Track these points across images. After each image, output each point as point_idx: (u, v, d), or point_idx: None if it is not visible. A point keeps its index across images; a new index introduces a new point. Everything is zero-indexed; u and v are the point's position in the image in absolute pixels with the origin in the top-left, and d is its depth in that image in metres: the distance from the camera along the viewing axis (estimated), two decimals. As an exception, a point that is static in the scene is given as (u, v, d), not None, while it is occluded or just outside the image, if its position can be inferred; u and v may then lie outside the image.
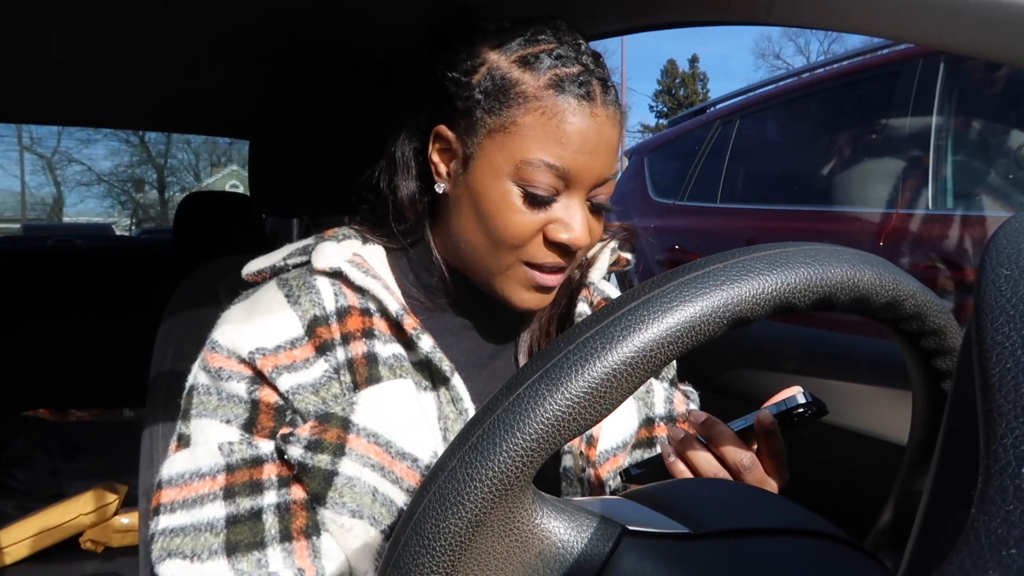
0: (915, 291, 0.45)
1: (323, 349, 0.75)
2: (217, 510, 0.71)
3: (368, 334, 0.77)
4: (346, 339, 0.76)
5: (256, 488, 0.72)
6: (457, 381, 0.77)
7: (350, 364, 0.75)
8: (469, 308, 0.84)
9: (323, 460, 0.72)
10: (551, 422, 0.37)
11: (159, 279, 1.70)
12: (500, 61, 0.73)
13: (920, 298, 0.45)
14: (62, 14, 1.17)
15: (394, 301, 0.78)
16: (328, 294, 0.78)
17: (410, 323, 0.77)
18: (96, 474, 2.24)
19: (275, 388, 0.74)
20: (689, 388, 0.99)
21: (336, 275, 0.79)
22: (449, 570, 0.37)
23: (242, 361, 0.74)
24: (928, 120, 2.24)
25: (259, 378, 0.74)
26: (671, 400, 0.93)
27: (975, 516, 0.18)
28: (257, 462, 0.73)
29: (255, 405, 0.74)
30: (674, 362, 0.87)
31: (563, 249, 0.74)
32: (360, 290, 0.79)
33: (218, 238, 2.22)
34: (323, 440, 0.72)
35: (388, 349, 0.77)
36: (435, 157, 0.79)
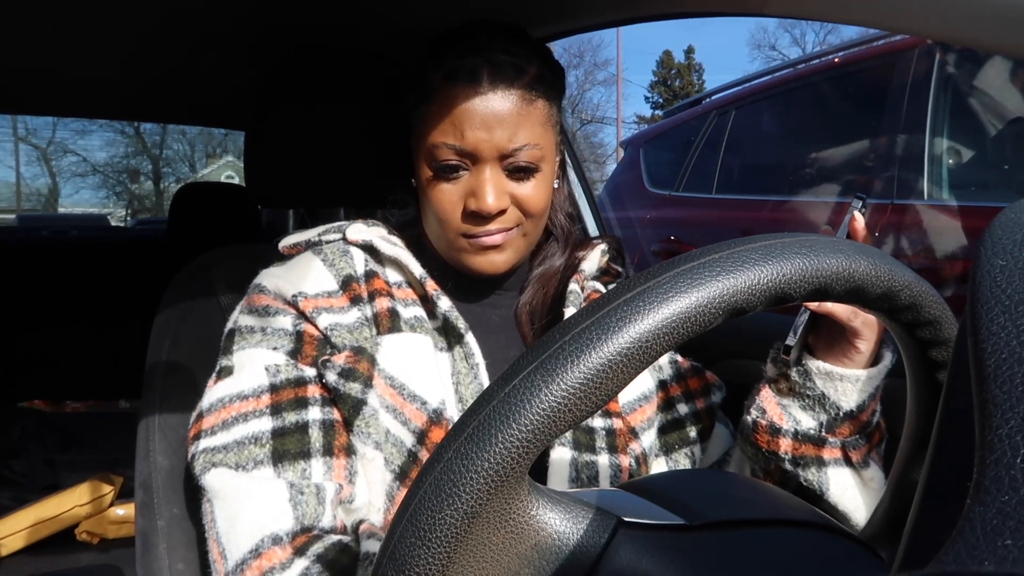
0: (910, 282, 0.45)
1: (355, 301, 0.84)
2: (263, 424, 0.76)
3: (391, 296, 0.86)
4: (372, 296, 0.85)
5: (302, 404, 0.78)
6: (471, 339, 0.85)
7: (376, 317, 0.84)
8: (468, 291, 0.93)
9: (354, 388, 0.78)
10: (547, 413, 0.37)
11: (155, 270, 1.70)
12: (427, 63, 0.88)
13: (915, 289, 0.45)
14: (58, 4, 1.16)
15: (418, 266, 0.88)
16: (359, 259, 0.88)
17: (431, 284, 0.87)
18: (92, 465, 2.23)
19: (315, 325, 0.81)
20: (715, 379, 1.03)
21: (367, 248, 0.89)
22: (445, 561, 0.37)
23: (286, 302, 0.82)
24: (923, 110, 2.24)
25: (301, 316, 0.82)
26: (675, 360, 1.01)
27: (970, 507, 0.18)
28: (302, 382, 0.79)
29: (299, 336, 0.81)
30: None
31: (479, 217, 0.84)
32: (388, 261, 0.89)
33: (213, 229, 2.21)
34: (356, 369, 0.79)
35: (410, 311, 0.86)
36: (412, 150, 0.92)
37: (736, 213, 3.26)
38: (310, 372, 0.80)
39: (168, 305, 1.07)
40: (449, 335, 0.86)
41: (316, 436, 0.76)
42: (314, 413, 0.77)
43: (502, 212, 0.85)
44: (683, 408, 0.98)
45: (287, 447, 0.75)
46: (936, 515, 0.20)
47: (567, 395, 0.37)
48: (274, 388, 0.77)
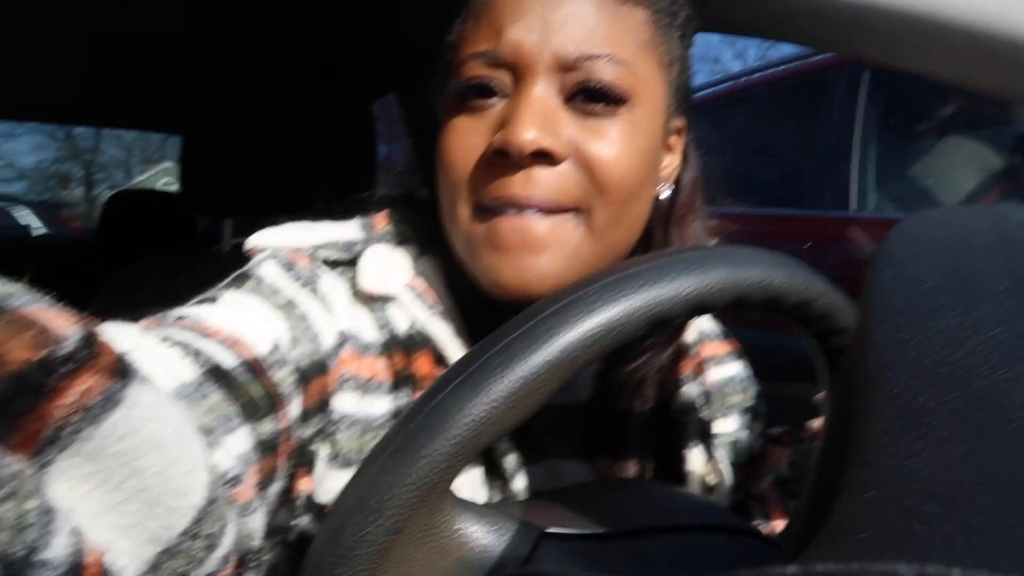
0: (824, 291, 0.47)
1: (399, 383, 0.56)
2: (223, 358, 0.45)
3: None
4: (413, 382, 0.56)
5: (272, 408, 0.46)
6: (520, 483, 0.56)
7: None
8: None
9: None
10: (473, 426, 0.37)
11: (82, 278, 1.64)
12: None
13: (829, 298, 0.47)
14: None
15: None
16: (398, 313, 0.57)
17: None
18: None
19: (331, 392, 0.53)
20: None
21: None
22: None
23: (327, 306, 0.55)
24: (852, 124, 2.32)
25: (336, 353, 0.53)
26: (755, 445, 0.74)
27: (838, 501, 0.19)
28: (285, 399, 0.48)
29: (321, 367, 0.52)
30: (754, 390, 0.74)
31: (507, 163, 0.53)
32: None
33: (146, 237, 2.15)
34: None
35: None
36: None
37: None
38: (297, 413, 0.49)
39: (96, 315, 1.04)
40: (492, 472, 0.56)
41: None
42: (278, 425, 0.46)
43: (548, 159, 0.53)
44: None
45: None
46: (821, 510, 0.21)
47: (494, 407, 0.37)
48: (260, 362, 0.46)
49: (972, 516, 0.18)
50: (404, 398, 0.56)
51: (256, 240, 0.58)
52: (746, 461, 0.72)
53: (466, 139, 0.55)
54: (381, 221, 0.62)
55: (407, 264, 0.60)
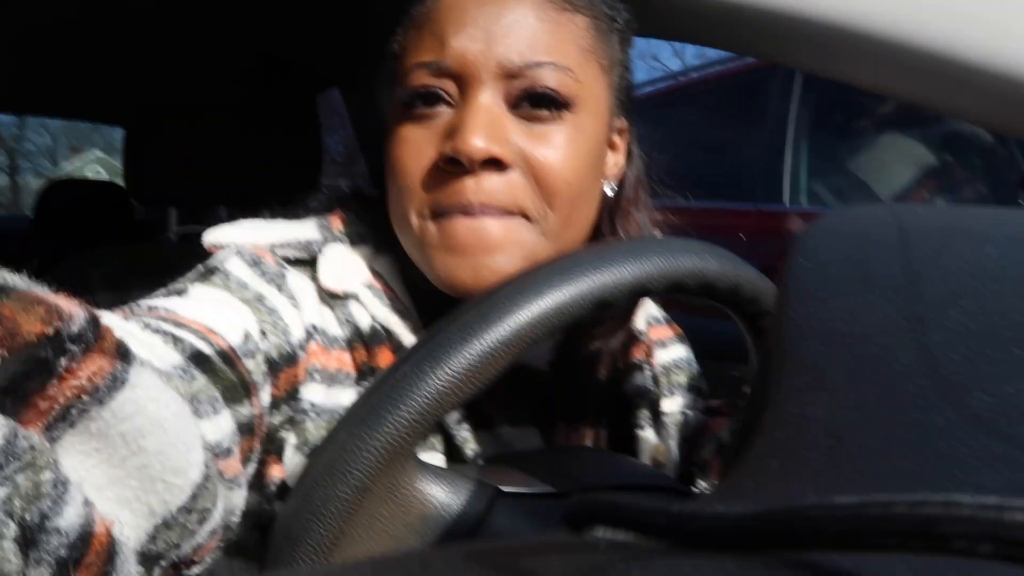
0: (753, 278, 0.52)
1: (362, 375, 0.58)
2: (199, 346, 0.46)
3: None
4: (375, 374, 0.58)
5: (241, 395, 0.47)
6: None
7: None
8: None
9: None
10: (433, 396, 0.40)
11: (18, 267, 1.60)
12: None
13: (757, 284, 0.52)
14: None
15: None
16: (359, 310, 0.59)
17: None
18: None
19: (300, 387, 0.55)
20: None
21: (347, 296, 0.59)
22: (337, 534, 0.40)
23: (294, 301, 0.57)
24: (785, 122, 2.43)
25: (304, 345, 0.55)
26: (696, 422, 0.77)
27: (757, 440, 0.24)
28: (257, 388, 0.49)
29: (290, 359, 0.53)
30: (696, 370, 0.79)
31: (458, 170, 0.54)
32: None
33: (84, 228, 2.10)
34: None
35: None
36: None
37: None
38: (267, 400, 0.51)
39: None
40: (447, 440, 0.58)
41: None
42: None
43: (497, 166, 0.54)
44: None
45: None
46: (743, 455, 0.25)
47: (452, 379, 0.41)
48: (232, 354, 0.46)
49: (856, 447, 0.22)
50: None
51: (214, 237, 0.59)
52: (691, 436, 0.76)
53: (416, 148, 0.56)
54: (337, 221, 0.63)
55: (364, 263, 0.61)
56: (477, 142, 0.52)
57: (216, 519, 0.38)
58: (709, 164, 2.75)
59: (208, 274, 0.54)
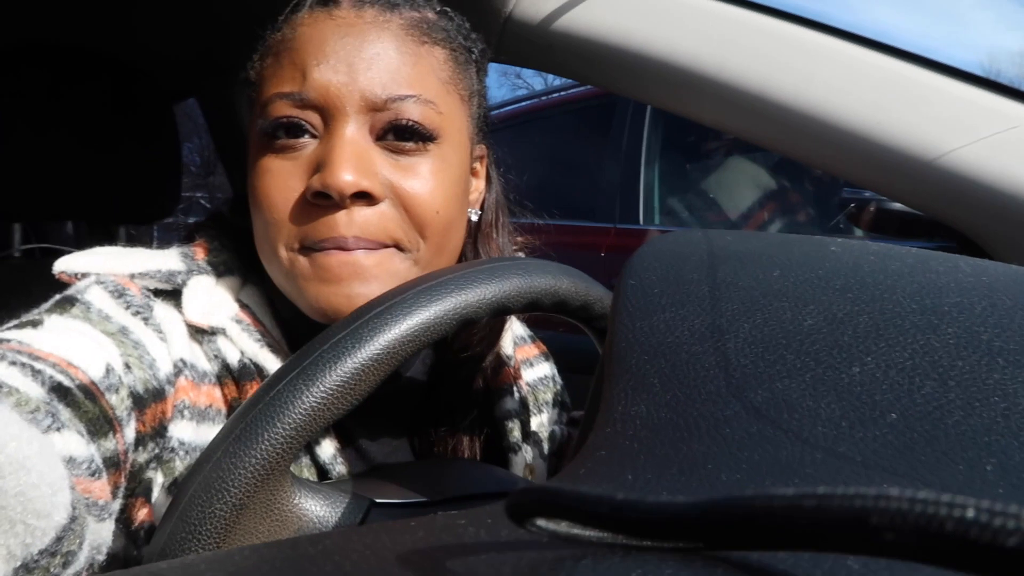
0: (602, 296, 0.58)
1: (232, 410, 0.57)
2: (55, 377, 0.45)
3: None
4: None
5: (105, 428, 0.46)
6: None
7: None
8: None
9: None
10: (308, 413, 0.43)
11: None
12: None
13: (607, 301, 0.58)
14: None
15: None
16: (227, 344, 0.58)
17: None
18: None
19: (167, 422, 0.54)
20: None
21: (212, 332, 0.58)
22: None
23: (160, 335, 0.56)
24: (640, 144, 2.58)
25: (172, 380, 0.55)
26: (562, 435, 0.81)
27: (590, 437, 0.29)
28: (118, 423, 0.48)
29: (157, 394, 0.52)
30: (560, 385, 0.83)
31: (329, 204, 0.54)
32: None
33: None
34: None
35: None
36: None
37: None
38: (131, 437, 0.50)
39: None
40: (313, 460, 0.59)
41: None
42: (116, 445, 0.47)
43: (367, 199, 0.55)
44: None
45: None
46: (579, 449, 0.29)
47: (326, 396, 0.44)
48: (93, 387, 0.46)
49: (665, 437, 0.27)
50: None
51: (66, 265, 0.57)
52: (557, 449, 0.79)
53: (282, 182, 0.56)
54: (200, 251, 0.62)
55: (231, 295, 0.60)
56: (346, 176, 0.53)
57: (81, 561, 0.37)
58: (570, 183, 2.88)
59: (66, 304, 0.52)
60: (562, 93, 3.42)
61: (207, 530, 0.41)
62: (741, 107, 0.82)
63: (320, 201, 0.54)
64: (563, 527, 0.21)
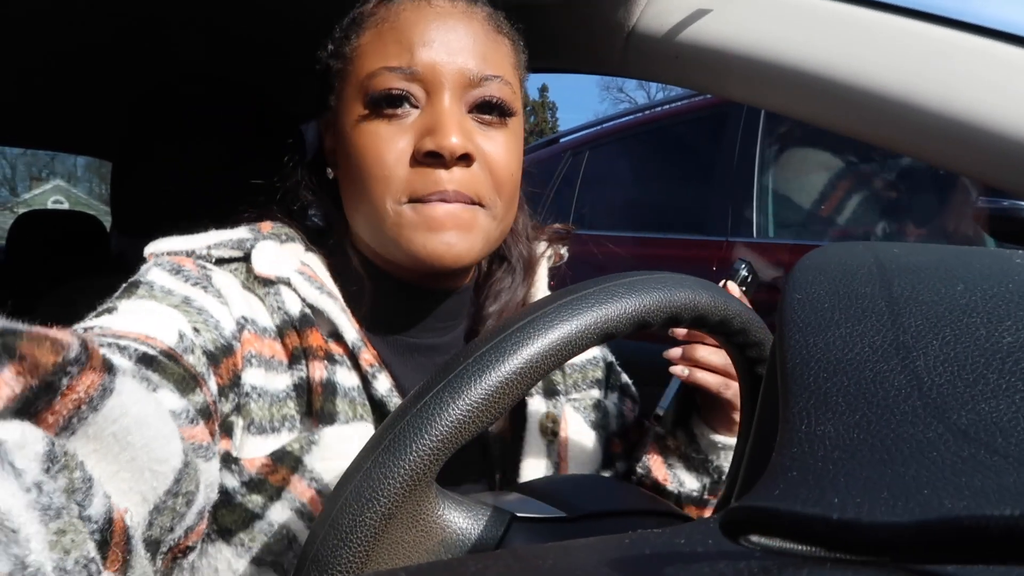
0: (741, 311, 0.56)
1: (294, 360, 0.65)
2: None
3: (329, 357, 0.66)
4: (306, 355, 0.65)
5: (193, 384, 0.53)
6: None
7: (309, 387, 0.64)
8: (405, 321, 0.73)
9: (255, 501, 0.61)
10: (454, 425, 0.43)
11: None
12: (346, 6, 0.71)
13: (744, 316, 0.56)
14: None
15: (351, 328, 0.67)
16: (291, 294, 0.66)
17: (367, 358, 0.66)
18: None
19: (240, 372, 0.61)
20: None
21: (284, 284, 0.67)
22: (364, 559, 0.42)
23: (221, 298, 0.63)
24: (752, 157, 2.51)
25: (238, 336, 0.62)
26: (622, 414, 0.85)
27: (774, 457, 0.27)
28: (203, 383, 0.55)
29: (227, 350, 0.60)
30: (618, 368, 0.88)
31: (436, 162, 0.63)
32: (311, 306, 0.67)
33: (58, 258, 2.09)
34: (267, 481, 0.61)
35: (349, 379, 0.66)
36: (326, 146, 0.74)
37: (591, 248, 3.46)
38: (212, 396, 0.55)
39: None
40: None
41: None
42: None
43: (467, 162, 0.65)
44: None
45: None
46: (755, 474, 0.28)
47: (471, 409, 0.44)
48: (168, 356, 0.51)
49: (862, 459, 0.25)
50: (300, 371, 0.65)
51: (152, 247, 0.65)
52: (618, 430, 0.83)
53: (390, 142, 0.64)
54: (265, 226, 0.72)
55: (294, 257, 0.69)
56: (455, 140, 0.63)
57: (200, 501, 0.44)
58: (680, 196, 2.82)
59: (132, 288, 0.59)
60: (669, 106, 3.37)
61: (357, 538, 0.41)
62: (880, 113, 0.78)
63: (429, 160, 0.63)
64: (776, 542, 0.21)
